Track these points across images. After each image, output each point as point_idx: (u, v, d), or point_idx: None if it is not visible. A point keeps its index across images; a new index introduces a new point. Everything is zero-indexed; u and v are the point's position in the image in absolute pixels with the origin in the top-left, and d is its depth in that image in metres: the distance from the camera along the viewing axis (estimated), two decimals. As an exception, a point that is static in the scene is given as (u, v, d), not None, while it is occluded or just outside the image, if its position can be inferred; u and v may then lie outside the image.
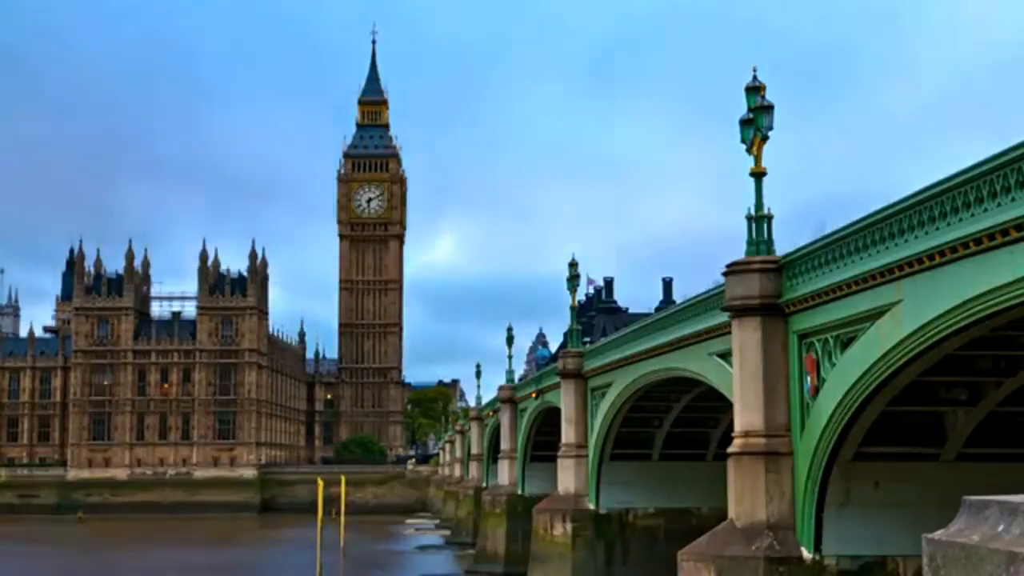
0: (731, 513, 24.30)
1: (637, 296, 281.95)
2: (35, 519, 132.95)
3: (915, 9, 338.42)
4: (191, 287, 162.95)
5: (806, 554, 23.06)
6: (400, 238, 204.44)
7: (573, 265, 48.06)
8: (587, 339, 56.70)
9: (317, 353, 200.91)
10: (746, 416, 24.34)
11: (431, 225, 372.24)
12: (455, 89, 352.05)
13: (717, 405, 31.04)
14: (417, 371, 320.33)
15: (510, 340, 68.78)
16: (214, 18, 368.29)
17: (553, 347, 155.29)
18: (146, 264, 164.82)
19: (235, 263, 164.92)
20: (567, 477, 44.05)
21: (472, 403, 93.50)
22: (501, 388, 67.52)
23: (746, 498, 23.90)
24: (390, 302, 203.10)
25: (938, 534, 5.25)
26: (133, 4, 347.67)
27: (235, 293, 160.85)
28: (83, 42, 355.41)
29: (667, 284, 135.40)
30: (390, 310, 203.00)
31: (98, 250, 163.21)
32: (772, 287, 24.01)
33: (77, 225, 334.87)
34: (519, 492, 62.03)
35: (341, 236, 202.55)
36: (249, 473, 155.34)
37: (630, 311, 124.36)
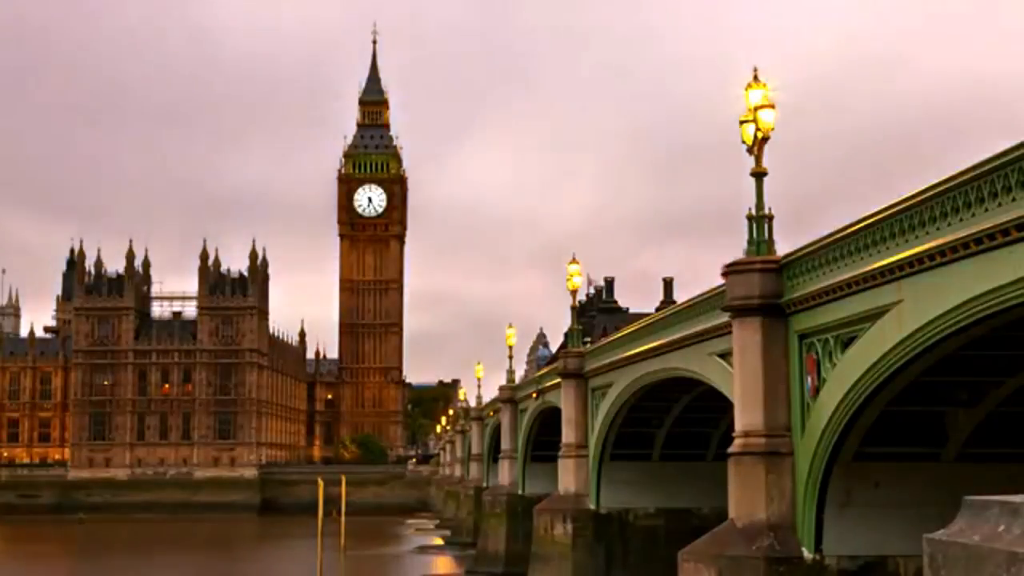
0: (731, 513, 24.29)
1: (637, 296, 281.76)
2: (35, 519, 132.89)
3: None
4: (191, 287, 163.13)
5: (807, 554, 23.06)
6: (400, 238, 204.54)
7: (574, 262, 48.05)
8: (587, 339, 56.64)
9: (317, 353, 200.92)
10: (746, 416, 24.33)
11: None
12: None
13: (717, 405, 31.01)
14: (417, 371, 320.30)
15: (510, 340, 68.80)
16: (214, 18, 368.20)
17: (553, 347, 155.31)
18: (146, 264, 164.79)
19: (235, 263, 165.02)
20: (567, 477, 44.03)
21: (473, 402, 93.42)
22: (501, 388, 67.52)
23: (746, 498, 23.89)
24: (390, 302, 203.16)
25: (939, 534, 5.25)
26: (128, 10, 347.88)
27: (235, 293, 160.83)
28: (77, 40, 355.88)
29: (667, 284, 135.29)
30: (390, 310, 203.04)
31: (98, 250, 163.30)
32: (772, 287, 24.01)
33: (77, 225, 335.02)
34: (519, 492, 62.00)
35: (341, 236, 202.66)
36: (249, 473, 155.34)
37: (630, 311, 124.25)
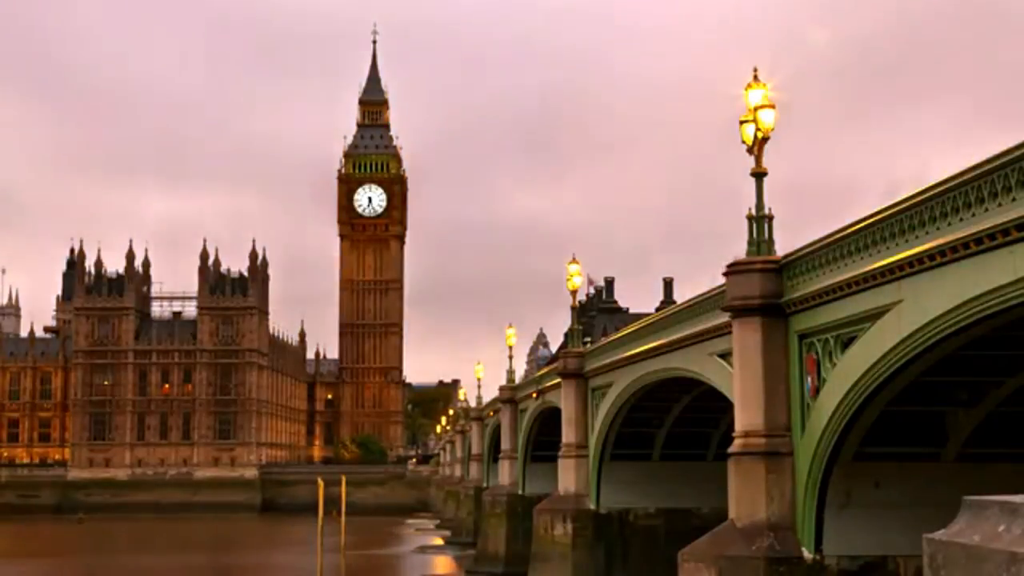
0: (731, 513, 24.29)
1: (637, 296, 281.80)
2: (35, 519, 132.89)
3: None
4: (192, 287, 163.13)
5: (807, 554, 23.06)
6: (400, 238, 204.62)
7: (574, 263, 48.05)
8: (587, 339, 56.62)
9: (317, 353, 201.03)
10: (746, 416, 24.34)
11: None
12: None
13: (717, 405, 31.02)
14: (417, 371, 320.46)
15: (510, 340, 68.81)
16: (217, 16, 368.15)
17: (554, 347, 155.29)
18: (147, 264, 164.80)
19: (236, 263, 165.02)
20: (568, 477, 44.02)
21: (473, 402, 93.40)
22: (501, 388, 67.49)
23: (746, 498, 23.89)
24: (390, 302, 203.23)
25: (939, 534, 5.25)
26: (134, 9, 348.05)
27: (236, 293, 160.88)
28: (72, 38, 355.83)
29: (667, 284, 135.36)
30: (390, 310, 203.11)
31: (99, 250, 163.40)
32: (773, 287, 24.01)
33: (78, 225, 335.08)
34: (519, 492, 61.97)
35: (341, 236, 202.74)
36: (250, 473, 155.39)
37: (630, 311, 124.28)
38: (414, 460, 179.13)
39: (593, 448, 42.64)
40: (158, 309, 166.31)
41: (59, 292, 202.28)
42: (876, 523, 22.99)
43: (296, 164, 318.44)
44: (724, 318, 25.91)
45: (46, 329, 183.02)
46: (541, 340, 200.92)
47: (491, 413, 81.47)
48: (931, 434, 22.89)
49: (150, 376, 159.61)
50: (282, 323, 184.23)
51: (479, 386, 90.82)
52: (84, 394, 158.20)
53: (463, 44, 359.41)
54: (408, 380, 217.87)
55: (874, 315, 20.39)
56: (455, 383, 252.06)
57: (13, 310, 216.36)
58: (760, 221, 24.45)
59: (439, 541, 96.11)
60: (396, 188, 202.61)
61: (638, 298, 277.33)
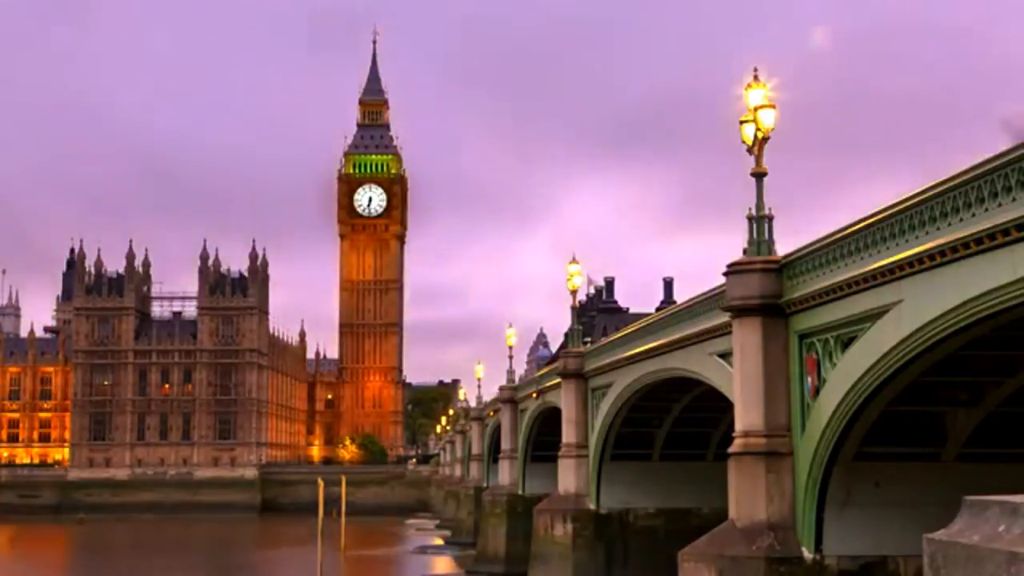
0: (731, 513, 24.30)
1: (637, 296, 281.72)
2: (35, 519, 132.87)
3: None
4: (192, 287, 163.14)
5: (807, 554, 23.06)
6: (400, 238, 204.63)
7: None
8: (587, 339, 56.62)
9: (317, 353, 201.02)
10: (746, 416, 24.34)
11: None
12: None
13: (717, 405, 31.03)
14: (417, 371, 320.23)
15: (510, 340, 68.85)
16: (216, 17, 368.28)
17: (553, 347, 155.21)
18: (147, 264, 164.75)
19: (236, 263, 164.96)
20: (568, 477, 44.04)
21: (473, 402, 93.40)
22: (501, 388, 67.55)
23: (746, 498, 23.90)
24: (390, 302, 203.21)
25: (939, 534, 5.25)
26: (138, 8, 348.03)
27: (236, 293, 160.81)
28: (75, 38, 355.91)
29: (667, 284, 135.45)
30: (390, 310, 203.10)
31: (99, 250, 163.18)
32: (773, 287, 24.02)
33: (78, 225, 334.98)
34: (519, 492, 62.00)
35: (341, 236, 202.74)
36: (250, 473, 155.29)
37: (630, 311, 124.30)
38: (414, 460, 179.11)
39: (593, 448, 42.65)
40: (158, 309, 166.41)
41: (59, 292, 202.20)
42: (876, 523, 22.99)
43: (296, 164, 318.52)
44: (724, 318, 25.91)
45: (46, 329, 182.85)
46: (541, 340, 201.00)
47: (491, 413, 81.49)
48: (931, 434, 22.89)
49: (150, 376, 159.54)
50: (282, 323, 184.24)
51: (479, 386, 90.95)
52: (84, 394, 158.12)
53: (463, 43, 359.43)
54: (408, 380, 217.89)
55: (874, 315, 20.39)
56: (455, 383, 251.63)
57: (13, 310, 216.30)
58: (760, 221, 24.47)
59: (439, 541, 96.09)
60: (396, 188, 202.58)
61: (638, 298, 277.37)
